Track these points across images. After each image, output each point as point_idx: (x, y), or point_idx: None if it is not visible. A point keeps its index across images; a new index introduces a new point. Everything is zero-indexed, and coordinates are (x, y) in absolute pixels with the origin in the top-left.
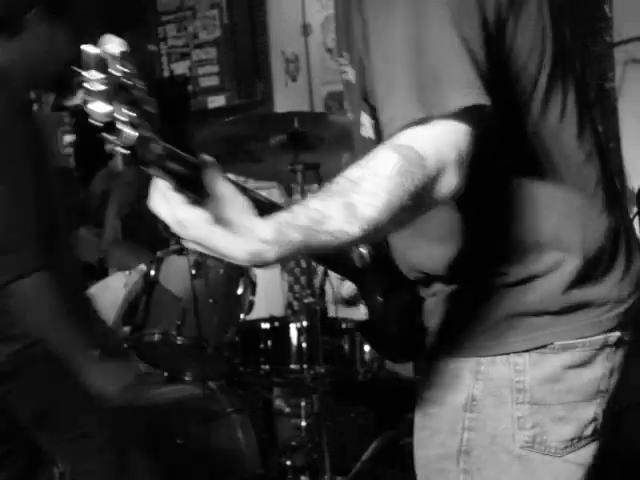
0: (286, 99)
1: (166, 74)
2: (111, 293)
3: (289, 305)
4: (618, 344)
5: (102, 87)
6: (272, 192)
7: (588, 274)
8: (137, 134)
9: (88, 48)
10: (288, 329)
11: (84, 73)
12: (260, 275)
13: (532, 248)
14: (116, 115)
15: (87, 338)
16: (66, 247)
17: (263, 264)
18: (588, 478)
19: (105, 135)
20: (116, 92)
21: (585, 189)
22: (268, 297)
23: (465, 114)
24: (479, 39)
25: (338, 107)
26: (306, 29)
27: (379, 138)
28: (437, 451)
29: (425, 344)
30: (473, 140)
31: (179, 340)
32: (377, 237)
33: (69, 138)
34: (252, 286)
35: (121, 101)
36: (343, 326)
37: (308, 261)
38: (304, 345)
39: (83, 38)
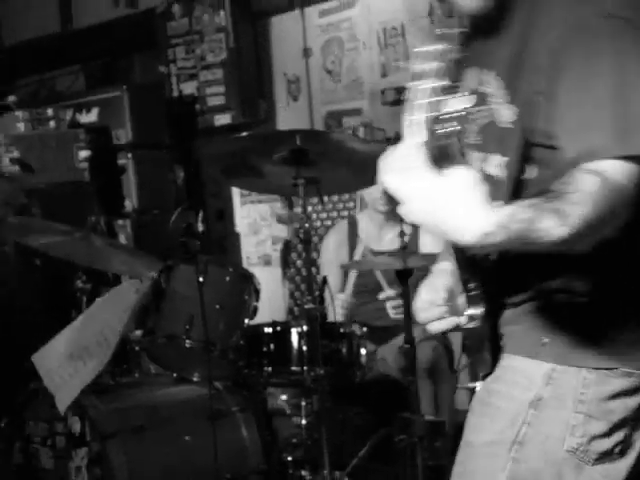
0: (288, 118)
1: (175, 94)
2: (123, 299)
3: (290, 311)
4: None
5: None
6: (274, 205)
7: None
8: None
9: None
10: (289, 333)
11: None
12: (263, 282)
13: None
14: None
15: None
16: None
17: (486, 245)
18: None
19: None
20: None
21: None
22: (270, 303)
23: None
24: None
25: (337, 125)
26: (307, 52)
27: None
28: (492, 437)
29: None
30: None
31: (187, 343)
32: (576, 242)
33: (84, 154)
34: (256, 293)
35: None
36: (341, 330)
37: (308, 270)
38: (304, 348)
39: None
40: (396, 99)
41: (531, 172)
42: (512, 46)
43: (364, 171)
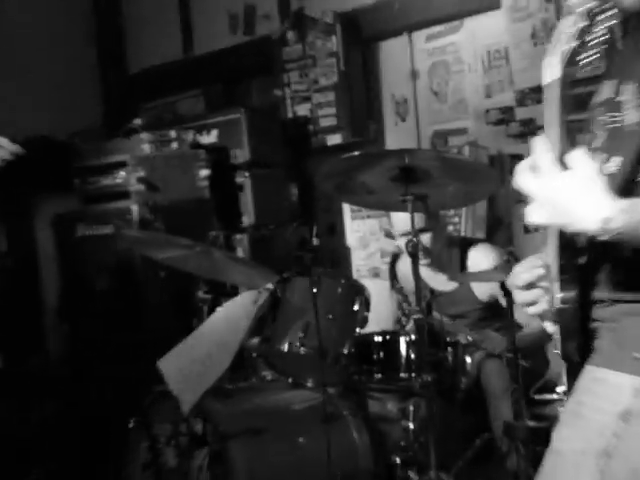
0: (396, 137)
1: (290, 115)
2: (242, 309)
3: (398, 320)
4: None
5: None
6: (382, 220)
7: None
8: None
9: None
10: (398, 342)
11: None
12: (372, 293)
13: None
14: None
15: None
16: None
17: (608, 230)
18: None
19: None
20: None
21: None
22: (379, 313)
23: None
24: None
25: (443, 144)
26: (414, 75)
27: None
28: (580, 446)
29: (591, 349)
30: None
31: (302, 351)
32: None
33: (204, 172)
34: (366, 303)
35: None
36: (447, 340)
37: (416, 281)
38: (412, 356)
39: None
40: (499, 119)
41: None
42: None
43: (470, 188)
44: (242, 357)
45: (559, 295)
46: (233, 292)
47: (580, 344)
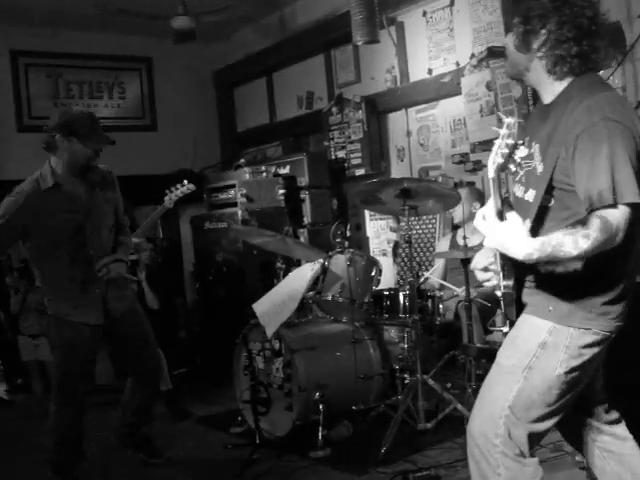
0: (398, 171)
1: (333, 157)
2: (304, 273)
3: (398, 282)
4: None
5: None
6: (389, 221)
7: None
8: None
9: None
10: (398, 295)
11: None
12: (384, 265)
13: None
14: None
15: None
16: None
17: (529, 261)
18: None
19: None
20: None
21: None
22: (386, 278)
23: (631, 205)
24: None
25: (426, 175)
26: (409, 133)
27: (538, 203)
28: (513, 362)
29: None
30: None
31: (340, 299)
32: (584, 259)
33: (281, 191)
34: (379, 271)
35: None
36: (429, 294)
37: (409, 258)
38: (407, 304)
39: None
40: (460, 160)
41: (549, 202)
42: (548, 129)
43: (442, 202)
44: (303, 302)
45: (503, 283)
46: (298, 263)
47: (516, 308)
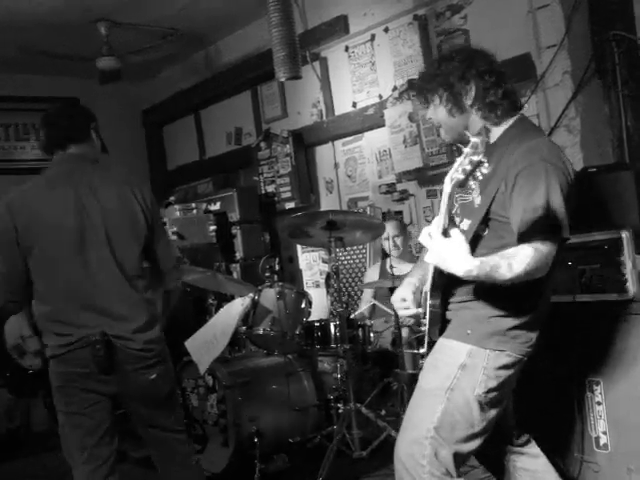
0: (326, 203)
1: (263, 192)
2: (236, 308)
3: (330, 313)
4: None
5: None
6: (320, 252)
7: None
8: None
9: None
10: (329, 325)
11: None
12: (315, 297)
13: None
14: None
15: None
16: None
17: (467, 277)
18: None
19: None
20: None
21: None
22: (319, 309)
23: (562, 241)
24: (569, 203)
25: (354, 206)
26: (336, 165)
27: (472, 234)
28: (436, 384)
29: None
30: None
31: (272, 333)
32: (516, 282)
33: (212, 227)
34: (309, 303)
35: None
36: (359, 323)
37: (339, 289)
38: (338, 334)
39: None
40: (387, 190)
41: (484, 231)
42: (492, 166)
43: (370, 232)
44: (236, 338)
45: (430, 302)
46: (231, 298)
47: (440, 329)
